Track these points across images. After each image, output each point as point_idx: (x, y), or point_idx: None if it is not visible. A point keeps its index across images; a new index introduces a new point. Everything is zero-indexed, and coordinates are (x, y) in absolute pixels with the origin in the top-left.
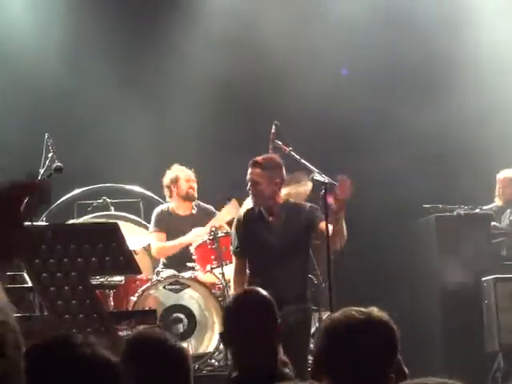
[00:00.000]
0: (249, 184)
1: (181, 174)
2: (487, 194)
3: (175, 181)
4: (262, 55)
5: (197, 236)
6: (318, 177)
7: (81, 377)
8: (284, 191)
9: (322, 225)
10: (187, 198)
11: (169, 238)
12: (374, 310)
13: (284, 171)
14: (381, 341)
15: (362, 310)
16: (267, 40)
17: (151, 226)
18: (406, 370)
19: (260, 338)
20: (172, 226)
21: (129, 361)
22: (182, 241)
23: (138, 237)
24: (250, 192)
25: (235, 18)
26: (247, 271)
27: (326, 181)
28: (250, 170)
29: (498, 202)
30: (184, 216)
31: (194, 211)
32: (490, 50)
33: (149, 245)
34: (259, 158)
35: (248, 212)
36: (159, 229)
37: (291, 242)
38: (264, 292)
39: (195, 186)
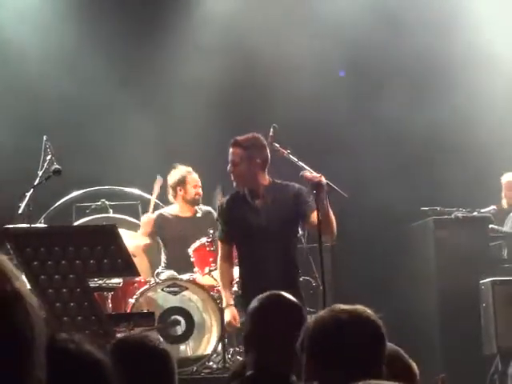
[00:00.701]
0: (229, 165)
1: (188, 178)
2: (485, 197)
3: (183, 183)
4: (260, 58)
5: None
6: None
7: (64, 373)
8: None
9: (314, 216)
10: (193, 203)
11: (174, 241)
12: (359, 307)
13: (268, 152)
14: (367, 336)
15: (347, 307)
16: (265, 44)
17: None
18: (412, 363)
19: (284, 342)
20: (173, 225)
21: (114, 364)
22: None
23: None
24: (231, 174)
25: (231, 22)
26: (236, 257)
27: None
28: (230, 150)
29: (504, 204)
30: (188, 218)
31: (198, 214)
32: (482, 49)
33: (145, 244)
34: (240, 138)
35: (231, 196)
36: (151, 235)
37: (279, 225)
38: (292, 297)
39: (201, 191)
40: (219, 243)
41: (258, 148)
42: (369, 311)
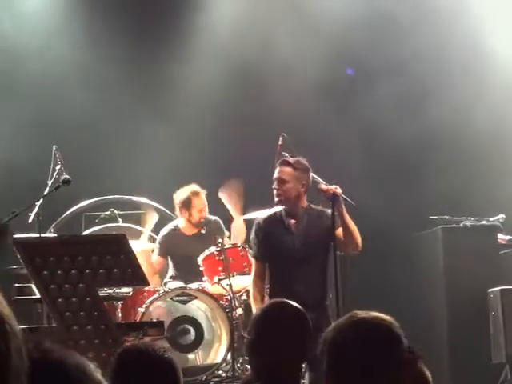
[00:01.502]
0: (275, 183)
1: (194, 201)
2: (494, 206)
3: (188, 206)
4: (270, 66)
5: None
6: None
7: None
8: None
9: (339, 231)
10: (197, 225)
11: (178, 258)
12: (379, 315)
13: (310, 177)
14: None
15: (366, 315)
16: (275, 52)
17: (155, 249)
18: (429, 374)
19: (289, 352)
20: (180, 245)
21: (118, 373)
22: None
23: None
24: (276, 191)
25: (238, 31)
26: (267, 276)
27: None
28: (278, 169)
29: None
30: (192, 235)
31: (203, 231)
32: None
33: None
34: (290, 159)
35: (269, 216)
36: (161, 255)
37: (313, 247)
38: (298, 305)
39: (206, 214)
40: (253, 260)
41: (305, 171)
42: (389, 318)
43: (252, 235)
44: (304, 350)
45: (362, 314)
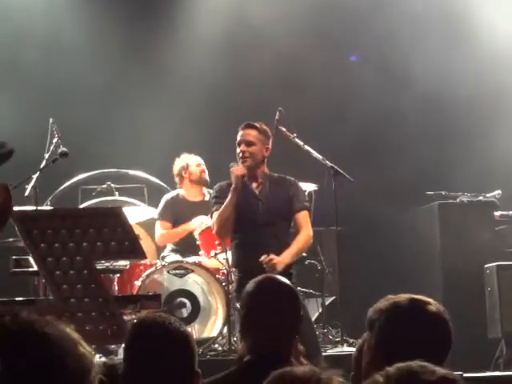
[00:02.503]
0: (242, 145)
1: (190, 161)
2: (491, 181)
3: (186, 167)
4: (267, 48)
5: (200, 223)
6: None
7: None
8: None
9: (299, 216)
10: (200, 182)
11: (179, 224)
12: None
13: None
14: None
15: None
16: (270, 31)
17: (157, 213)
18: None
19: (280, 324)
20: (183, 211)
21: (134, 344)
22: (185, 227)
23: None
24: (242, 153)
25: (236, 11)
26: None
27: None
28: (243, 132)
29: None
30: (195, 202)
31: (205, 198)
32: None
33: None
34: (255, 122)
35: (229, 182)
36: (165, 218)
37: (274, 213)
38: (288, 282)
39: (206, 170)
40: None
41: (268, 137)
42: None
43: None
44: (296, 324)
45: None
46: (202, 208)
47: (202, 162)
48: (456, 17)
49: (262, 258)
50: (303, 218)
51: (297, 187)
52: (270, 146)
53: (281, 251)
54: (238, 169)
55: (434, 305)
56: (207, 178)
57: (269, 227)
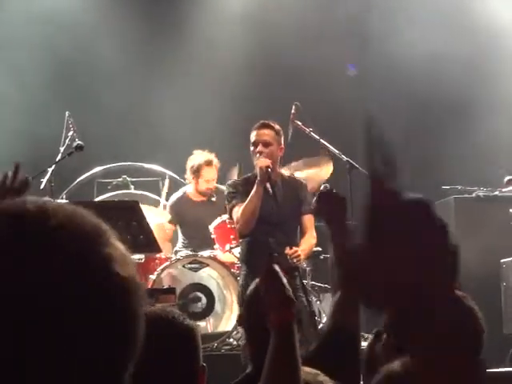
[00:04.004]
0: (259, 145)
1: (203, 171)
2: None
3: (197, 174)
4: (288, 39)
5: None
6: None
7: None
8: (304, 173)
9: (305, 219)
10: (203, 195)
11: (186, 224)
12: None
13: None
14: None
15: None
16: (293, 23)
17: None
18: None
19: None
20: (188, 210)
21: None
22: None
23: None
24: (259, 153)
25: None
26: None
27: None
28: (259, 131)
29: None
30: (200, 201)
31: (213, 198)
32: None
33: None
34: (270, 122)
35: (244, 178)
36: (170, 222)
37: (288, 212)
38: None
39: (213, 185)
40: (235, 207)
41: (281, 136)
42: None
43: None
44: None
45: None
46: (207, 208)
47: (214, 176)
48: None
49: (287, 250)
50: (309, 221)
51: (306, 190)
52: (283, 146)
53: (291, 247)
54: (262, 161)
55: None
56: (211, 193)
57: (280, 226)
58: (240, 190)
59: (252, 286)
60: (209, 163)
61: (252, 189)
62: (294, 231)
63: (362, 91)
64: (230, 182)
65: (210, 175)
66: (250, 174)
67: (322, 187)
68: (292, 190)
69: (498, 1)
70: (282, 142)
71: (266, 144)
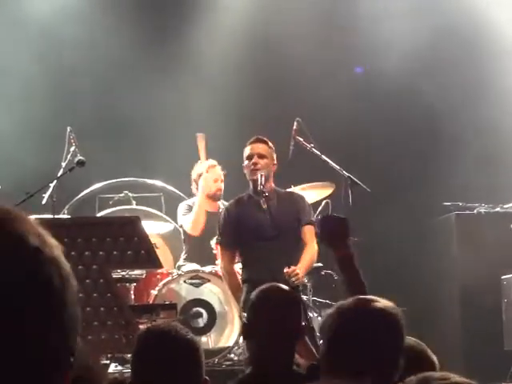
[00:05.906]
0: (254, 157)
1: (209, 172)
2: (508, 192)
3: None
4: (289, 43)
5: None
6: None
7: None
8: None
9: (305, 230)
10: (214, 198)
11: (193, 238)
12: (381, 300)
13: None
14: (386, 327)
15: (370, 298)
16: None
17: (179, 218)
18: (435, 359)
19: (281, 335)
20: None
21: (141, 353)
22: (198, 204)
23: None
24: (254, 166)
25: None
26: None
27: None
28: (254, 145)
29: None
30: (210, 213)
31: (220, 209)
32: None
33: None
34: (264, 137)
35: (236, 200)
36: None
37: (284, 226)
38: (290, 290)
39: (222, 186)
40: (220, 249)
41: (274, 152)
42: (390, 304)
43: (221, 222)
44: (296, 335)
45: (365, 298)
46: (214, 219)
47: (221, 176)
48: None
49: (286, 269)
50: (309, 232)
51: (304, 202)
52: (276, 163)
53: (289, 266)
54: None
55: (381, 302)
56: (221, 194)
57: (277, 242)
58: (232, 222)
59: (255, 292)
60: (212, 165)
61: (246, 209)
62: (292, 244)
63: (365, 104)
64: (225, 206)
65: (216, 174)
66: (242, 194)
67: (323, 203)
68: (288, 203)
69: None
70: (275, 158)
71: (261, 156)
